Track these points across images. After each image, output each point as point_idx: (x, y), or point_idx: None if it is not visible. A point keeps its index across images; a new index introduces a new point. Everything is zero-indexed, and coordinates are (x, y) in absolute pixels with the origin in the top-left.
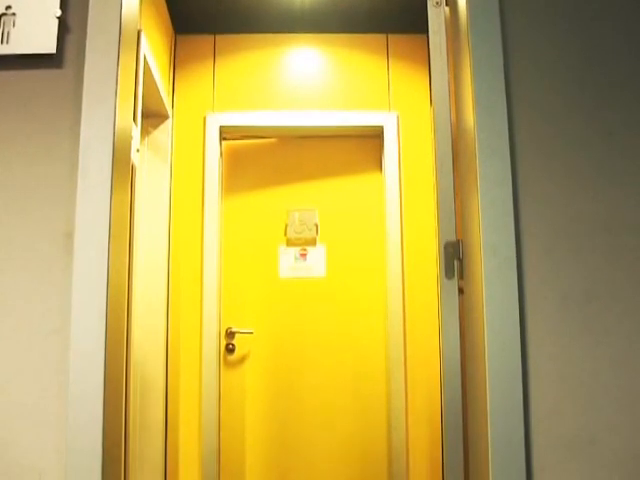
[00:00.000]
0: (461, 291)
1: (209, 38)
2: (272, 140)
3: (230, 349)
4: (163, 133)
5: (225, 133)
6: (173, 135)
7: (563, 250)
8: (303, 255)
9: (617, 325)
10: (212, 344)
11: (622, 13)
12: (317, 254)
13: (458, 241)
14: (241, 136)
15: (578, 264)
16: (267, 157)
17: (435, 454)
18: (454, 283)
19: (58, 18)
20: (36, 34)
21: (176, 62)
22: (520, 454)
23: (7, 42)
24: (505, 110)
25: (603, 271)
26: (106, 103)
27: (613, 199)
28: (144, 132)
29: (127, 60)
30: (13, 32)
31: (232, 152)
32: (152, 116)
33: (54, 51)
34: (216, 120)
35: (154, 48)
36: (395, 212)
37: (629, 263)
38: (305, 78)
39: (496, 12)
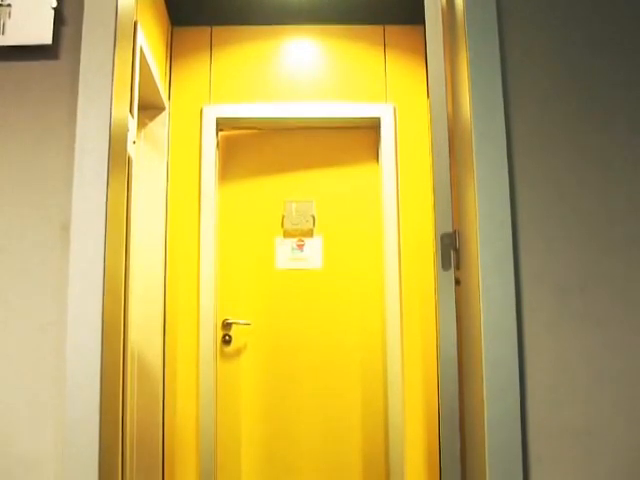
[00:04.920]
0: (458, 282)
1: (206, 30)
2: (269, 131)
3: (227, 340)
4: (159, 125)
5: (222, 125)
6: (170, 127)
7: (559, 240)
8: (300, 246)
9: (613, 314)
10: (209, 335)
11: (622, 1)
12: (314, 245)
13: (455, 232)
14: (238, 127)
15: (574, 254)
16: (264, 148)
17: (432, 441)
18: (451, 274)
19: (54, 9)
20: (32, 25)
21: (173, 54)
22: (517, 444)
23: (3, 33)
24: (501, 101)
25: (599, 261)
26: (102, 95)
27: (609, 189)
28: (140, 124)
29: (123, 52)
30: (9, 23)
31: (229, 143)
32: (148, 108)
33: (50, 42)
34: (213, 112)
35: (150, 40)
36: (392, 203)
37: (625, 252)
38: (302, 70)
39: (492, 3)
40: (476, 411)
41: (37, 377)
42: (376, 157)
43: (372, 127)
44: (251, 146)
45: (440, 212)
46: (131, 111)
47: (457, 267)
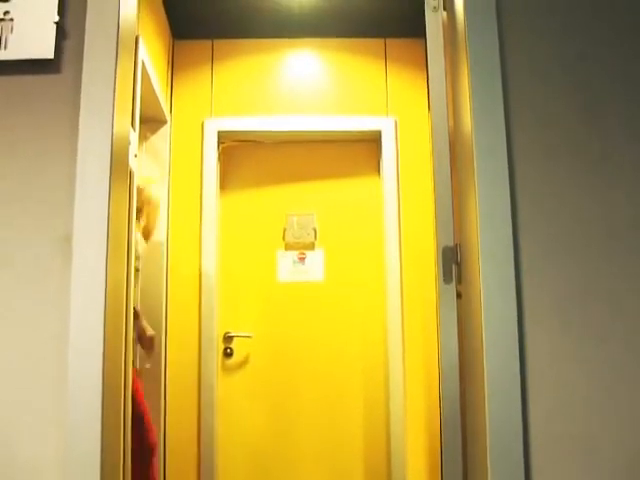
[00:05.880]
0: (459, 295)
1: (207, 43)
2: (270, 144)
3: (228, 353)
4: (161, 138)
5: (223, 138)
6: (171, 140)
7: (561, 252)
8: (301, 259)
9: (615, 327)
10: (210, 348)
11: (620, 16)
12: (315, 258)
13: (456, 245)
14: (239, 140)
15: (576, 266)
16: (265, 161)
17: (434, 459)
18: (452, 287)
19: (56, 23)
20: (34, 40)
21: (174, 67)
22: (519, 457)
23: (5, 48)
24: (502, 114)
25: (601, 273)
26: (104, 108)
27: (610, 200)
28: (142, 137)
29: (125, 65)
30: (11, 38)
31: (230, 155)
32: (150, 121)
33: (52, 56)
34: (214, 125)
35: (152, 53)
36: (393, 216)
37: (627, 265)
38: (303, 83)
39: (493, 17)
40: (478, 422)
41: (40, 387)
42: (377, 170)
43: (373, 140)
44: (252, 158)
45: (441, 225)
46: (133, 124)
47: (459, 281)
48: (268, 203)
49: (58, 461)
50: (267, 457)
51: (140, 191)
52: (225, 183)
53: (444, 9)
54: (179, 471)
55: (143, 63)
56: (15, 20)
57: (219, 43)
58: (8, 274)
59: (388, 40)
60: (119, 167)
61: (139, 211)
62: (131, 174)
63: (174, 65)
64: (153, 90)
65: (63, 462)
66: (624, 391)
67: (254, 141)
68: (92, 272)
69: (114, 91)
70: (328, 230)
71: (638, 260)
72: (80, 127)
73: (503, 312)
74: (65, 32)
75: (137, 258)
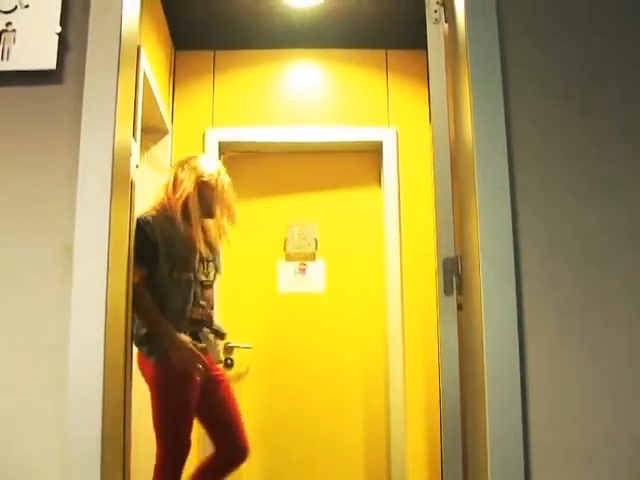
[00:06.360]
0: (460, 307)
1: (209, 54)
2: (272, 155)
3: (229, 364)
4: (162, 148)
5: (224, 148)
6: (172, 150)
7: (561, 262)
8: (302, 270)
9: (615, 337)
10: None
11: (622, 29)
12: (316, 269)
13: (457, 257)
14: (240, 151)
15: (577, 276)
16: (267, 172)
17: (434, 472)
18: (453, 299)
19: (58, 34)
20: (36, 50)
21: (176, 78)
22: (519, 468)
23: (7, 59)
24: (504, 124)
25: (601, 283)
26: (106, 119)
27: (610, 210)
28: (143, 147)
29: (127, 76)
30: (13, 49)
31: (231, 165)
32: (151, 131)
33: (54, 67)
34: (215, 136)
35: (154, 64)
36: (394, 227)
37: (627, 274)
38: (304, 94)
39: (494, 29)
40: (478, 431)
41: (39, 400)
42: (378, 181)
43: (374, 151)
44: (254, 169)
45: (442, 236)
46: (134, 135)
47: (459, 292)
48: (269, 213)
49: (57, 463)
50: (268, 468)
51: (205, 184)
52: None
53: (445, 21)
54: None
55: (145, 73)
56: (17, 31)
57: (220, 54)
58: (9, 284)
59: (389, 51)
60: (120, 178)
61: (209, 206)
62: (132, 185)
63: (175, 75)
64: (154, 100)
65: (63, 464)
66: (624, 398)
67: (255, 152)
68: (93, 283)
69: (116, 102)
70: (329, 241)
71: (638, 268)
72: (81, 138)
73: (504, 323)
74: (67, 43)
75: (213, 276)
